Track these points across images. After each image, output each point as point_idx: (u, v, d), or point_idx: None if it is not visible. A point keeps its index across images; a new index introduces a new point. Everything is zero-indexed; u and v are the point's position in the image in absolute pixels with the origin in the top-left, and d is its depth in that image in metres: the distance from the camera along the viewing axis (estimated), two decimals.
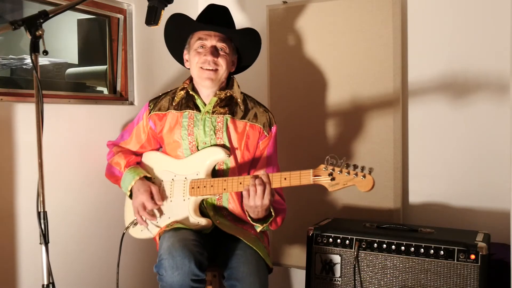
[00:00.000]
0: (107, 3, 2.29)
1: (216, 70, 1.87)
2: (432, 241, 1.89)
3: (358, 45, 2.38)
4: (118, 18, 2.38)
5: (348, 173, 1.56)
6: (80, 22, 2.47)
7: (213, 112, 1.91)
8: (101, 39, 2.43)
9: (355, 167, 1.56)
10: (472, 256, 1.81)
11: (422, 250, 1.90)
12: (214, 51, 1.86)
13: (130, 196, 1.95)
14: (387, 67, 2.31)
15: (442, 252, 1.86)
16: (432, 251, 1.88)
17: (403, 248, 1.93)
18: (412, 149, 2.36)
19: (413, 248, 1.91)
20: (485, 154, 2.20)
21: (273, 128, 1.97)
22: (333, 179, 1.59)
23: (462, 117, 2.24)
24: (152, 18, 1.67)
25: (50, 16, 1.44)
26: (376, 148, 2.34)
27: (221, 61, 1.88)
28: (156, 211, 1.92)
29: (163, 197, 1.92)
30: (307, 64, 2.52)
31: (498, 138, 2.16)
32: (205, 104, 1.93)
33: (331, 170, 1.59)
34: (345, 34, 2.41)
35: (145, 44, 2.45)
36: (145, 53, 2.46)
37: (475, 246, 1.82)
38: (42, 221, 1.37)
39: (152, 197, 1.89)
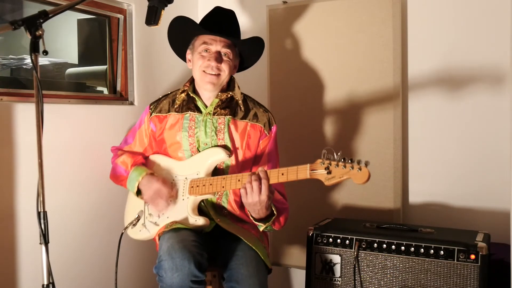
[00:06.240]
0: (107, 3, 2.29)
1: (218, 75, 1.88)
2: (432, 241, 1.89)
3: (358, 45, 2.38)
4: (118, 18, 2.38)
5: (344, 166, 1.56)
6: (80, 22, 2.47)
7: (214, 114, 1.91)
8: (101, 39, 2.43)
9: (352, 160, 1.56)
10: (472, 256, 1.81)
11: (422, 250, 1.90)
12: (218, 57, 1.87)
13: (137, 193, 1.95)
14: (387, 67, 2.31)
15: (442, 252, 1.86)
16: (432, 251, 1.88)
17: (403, 248, 1.93)
18: (412, 149, 2.36)
19: (413, 248, 1.91)
20: (485, 154, 2.20)
21: (273, 128, 1.98)
22: (329, 172, 1.59)
23: (462, 117, 2.24)
24: (152, 18, 1.67)
25: (50, 16, 1.44)
26: (376, 148, 2.34)
27: (224, 67, 1.88)
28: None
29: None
30: (307, 63, 2.52)
31: (498, 138, 2.16)
32: (206, 106, 1.94)
33: (328, 164, 1.59)
34: (345, 34, 2.41)
35: (145, 44, 2.45)
36: (145, 53, 2.46)
37: (475, 246, 1.82)
38: (42, 221, 1.37)
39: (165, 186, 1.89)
